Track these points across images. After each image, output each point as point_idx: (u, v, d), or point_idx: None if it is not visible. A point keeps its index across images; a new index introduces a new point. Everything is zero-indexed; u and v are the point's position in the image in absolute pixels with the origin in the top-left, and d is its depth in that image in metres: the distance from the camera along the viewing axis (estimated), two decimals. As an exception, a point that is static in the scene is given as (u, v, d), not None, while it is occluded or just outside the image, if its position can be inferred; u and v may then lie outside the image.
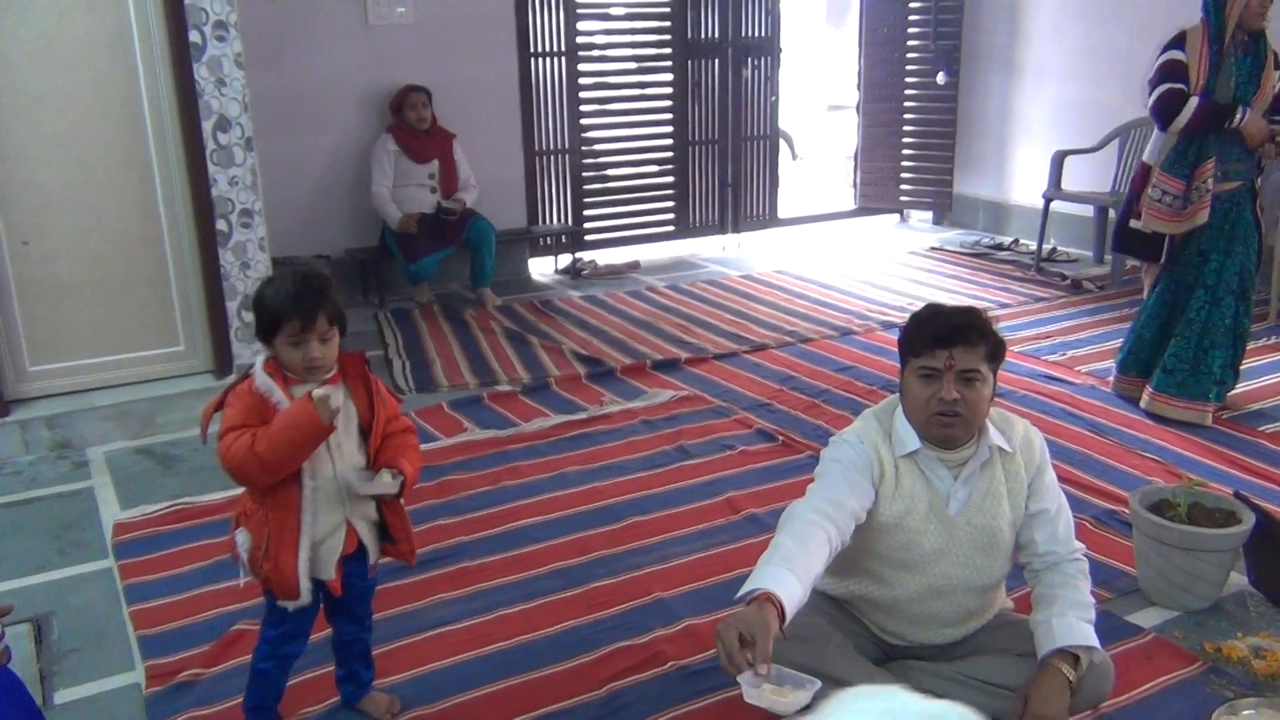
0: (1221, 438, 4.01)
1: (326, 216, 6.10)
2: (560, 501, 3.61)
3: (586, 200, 7.07)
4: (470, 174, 6.12)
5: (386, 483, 2.23)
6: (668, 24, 7.08)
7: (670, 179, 7.38)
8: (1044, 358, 4.98)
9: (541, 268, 6.95)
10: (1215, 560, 2.84)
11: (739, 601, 1.96)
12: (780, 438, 4.10)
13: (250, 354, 4.11)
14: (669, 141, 7.30)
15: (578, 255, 6.96)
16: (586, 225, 7.10)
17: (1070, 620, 2.19)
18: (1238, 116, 3.85)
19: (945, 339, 2.13)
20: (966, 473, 2.24)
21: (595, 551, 3.27)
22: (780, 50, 7.55)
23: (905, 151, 8.01)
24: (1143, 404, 4.23)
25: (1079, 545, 2.33)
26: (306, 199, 6.04)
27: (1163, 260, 4.13)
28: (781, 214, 7.97)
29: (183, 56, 4.25)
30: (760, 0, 7.35)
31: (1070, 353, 5.05)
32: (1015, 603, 2.60)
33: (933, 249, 7.34)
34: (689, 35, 7.14)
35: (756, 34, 7.40)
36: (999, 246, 7.31)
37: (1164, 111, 3.92)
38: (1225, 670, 2.61)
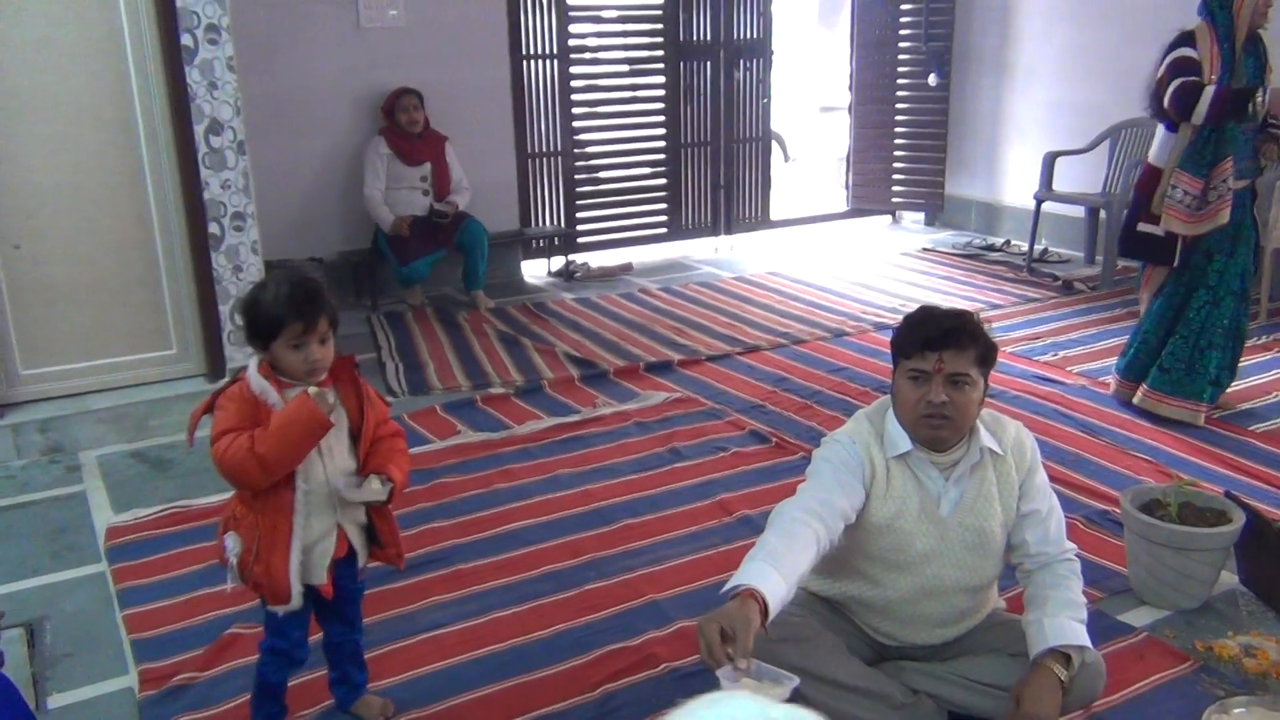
0: (1212, 437, 4.03)
1: (319, 219, 6.10)
2: (553, 504, 3.62)
3: (579, 202, 7.07)
4: (463, 176, 6.13)
5: (375, 490, 2.23)
6: (660, 26, 7.09)
7: (663, 181, 7.39)
8: (1036, 358, 5.00)
9: (534, 270, 6.95)
10: (1206, 559, 2.85)
11: (723, 597, 1.97)
12: (773, 439, 4.10)
13: (244, 357, 4.10)
14: (661, 144, 7.31)
15: (570, 257, 6.96)
16: (579, 227, 7.11)
17: (1062, 620, 2.20)
18: (1259, 98, 3.83)
19: (935, 342, 2.14)
20: (957, 474, 2.25)
21: (588, 554, 3.27)
22: (772, 52, 7.56)
23: (897, 153, 8.03)
24: (1136, 400, 4.24)
25: (1070, 545, 2.34)
26: (299, 202, 6.03)
27: (1175, 264, 4.05)
28: (774, 215, 7.98)
29: (175, 60, 4.25)
30: (752, 2, 7.36)
31: (1062, 353, 5.07)
32: (1007, 603, 2.61)
33: (925, 250, 7.36)
34: (681, 37, 7.15)
35: (748, 36, 7.41)
36: (991, 247, 7.33)
37: (1183, 103, 3.85)
38: (1216, 669, 2.63)
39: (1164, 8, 6.12)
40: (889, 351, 2.29)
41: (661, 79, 7.19)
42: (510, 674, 2.68)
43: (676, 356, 5.12)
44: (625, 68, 7.14)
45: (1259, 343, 5.06)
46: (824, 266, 6.93)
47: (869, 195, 8.22)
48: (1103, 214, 6.45)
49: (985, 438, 2.24)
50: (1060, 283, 6.31)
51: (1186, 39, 3.92)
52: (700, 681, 2.57)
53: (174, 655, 2.78)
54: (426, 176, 5.97)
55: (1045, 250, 6.98)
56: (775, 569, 1.98)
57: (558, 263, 6.95)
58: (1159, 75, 3.96)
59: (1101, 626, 2.77)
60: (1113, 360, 4.87)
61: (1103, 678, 2.31)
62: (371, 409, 2.30)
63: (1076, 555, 2.35)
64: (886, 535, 2.25)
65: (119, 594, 3.11)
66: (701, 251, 7.54)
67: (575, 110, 6.91)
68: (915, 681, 2.35)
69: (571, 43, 6.79)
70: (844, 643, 2.35)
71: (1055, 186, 6.59)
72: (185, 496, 3.71)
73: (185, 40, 4.24)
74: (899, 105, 7.92)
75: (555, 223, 6.97)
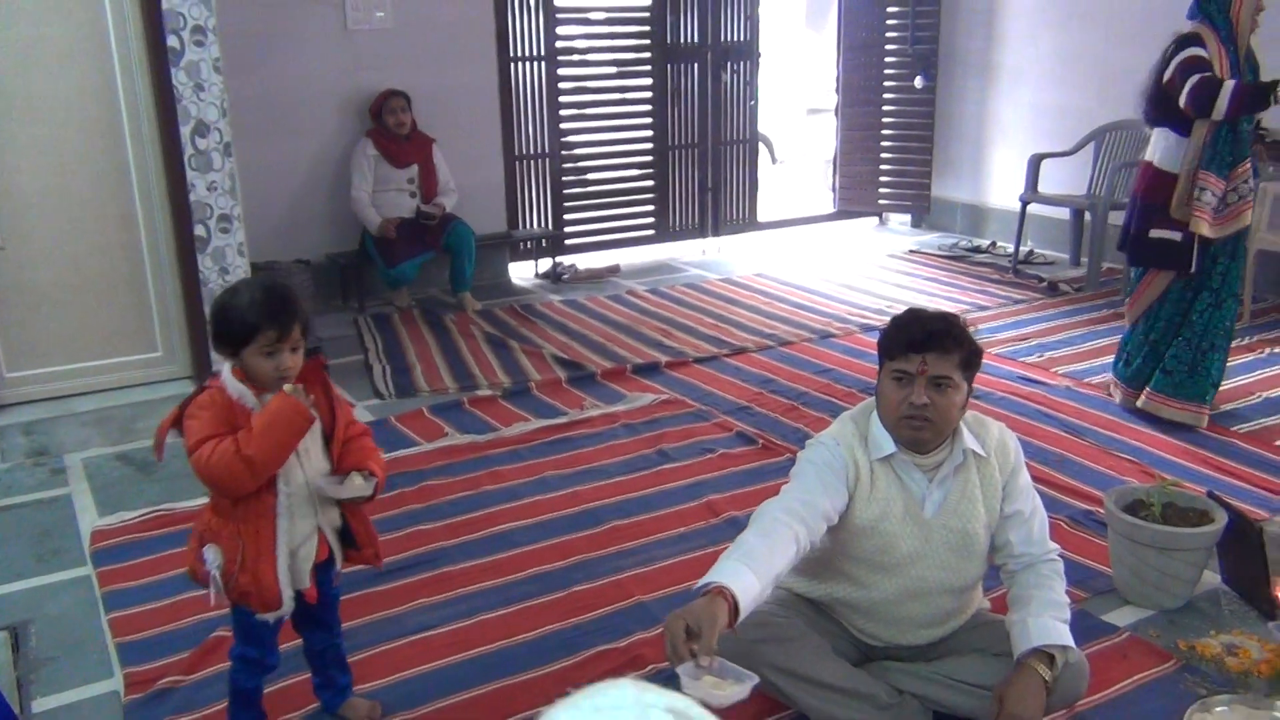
0: (1196, 438, 4.05)
1: (306, 221, 6.09)
2: (540, 506, 3.62)
3: (566, 204, 7.08)
4: (450, 178, 6.13)
5: (359, 485, 2.22)
6: (647, 28, 7.10)
7: (650, 183, 7.39)
8: (1021, 359, 5.02)
9: (522, 272, 6.95)
10: (1189, 559, 2.87)
11: (696, 594, 1.98)
12: (760, 440, 4.12)
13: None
14: (649, 145, 7.31)
15: (558, 259, 6.96)
16: (567, 229, 7.11)
17: (1045, 620, 2.21)
18: None
19: (919, 344, 2.16)
20: (941, 476, 2.27)
21: (575, 555, 3.28)
22: (759, 54, 7.58)
23: (884, 155, 8.06)
24: (1140, 404, 4.23)
25: (1054, 546, 2.36)
26: (286, 204, 6.02)
27: (1194, 269, 3.98)
28: (761, 217, 7.99)
29: (161, 61, 4.25)
30: (739, 4, 7.38)
31: (1047, 354, 5.09)
32: (991, 603, 2.63)
33: (911, 252, 7.39)
34: (668, 40, 7.16)
35: (736, 38, 7.43)
36: (977, 249, 7.36)
37: (1202, 98, 3.77)
38: (1199, 668, 2.65)
39: (1149, 11, 6.17)
40: (875, 353, 2.31)
41: (649, 81, 7.20)
42: (498, 676, 2.68)
43: (664, 358, 5.13)
44: (613, 70, 7.14)
45: (1242, 344, 5.09)
46: (811, 268, 6.95)
47: (856, 197, 8.25)
48: (1088, 216, 6.48)
49: (968, 440, 2.26)
50: (1045, 284, 6.34)
51: (1193, 39, 3.86)
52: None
53: (159, 659, 2.77)
54: (414, 178, 5.97)
55: (1030, 252, 7.02)
56: (749, 568, 1.99)
57: (545, 265, 6.95)
58: (1167, 77, 3.88)
59: (1085, 626, 2.79)
60: (1098, 362, 4.92)
61: (1086, 677, 2.33)
62: (341, 409, 2.30)
63: (1060, 555, 2.37)
64: (871, 537, 2.27)
65: (104, 597, 3.10)
66: (689, 253, 7.55)
67: (563, 112, 6.92)
68: (900, 681, 2.36)
69: (559, 45, 6.79)
70: (829, 643, 2.36)
71: (1040, 188, 6.62)
72: (171, 499, 3.70)
73: (171, 42, 4.24)
74: (885, 107, 7.95)
75: (543, 225, 6.98)
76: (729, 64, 7.44)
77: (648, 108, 7.24)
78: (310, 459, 2.23)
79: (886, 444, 2.24)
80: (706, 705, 1.86)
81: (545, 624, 2.91)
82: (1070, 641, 2.22)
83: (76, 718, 2.59)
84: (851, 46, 7.96)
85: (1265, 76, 3.95)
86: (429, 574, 3.18)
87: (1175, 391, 4.13)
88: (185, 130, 4.33)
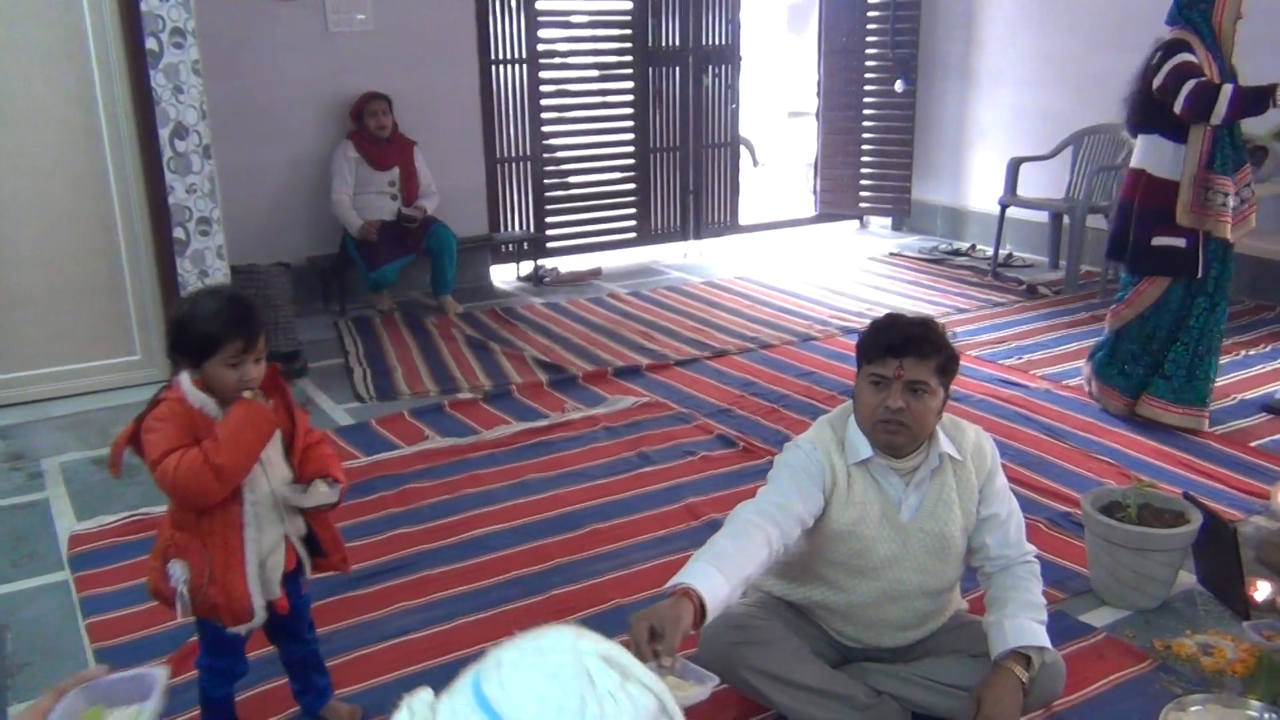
0: (1171, 439, 4.08)
1: (286, 224, 6.07)
2: (521, 509, 3.62)
3: (548, 207, 7.08)
4: (431, 181, 6.12)
5: (325, 492, 2.20)
6: (628, 32, 7.11)
7: (632, 186, 7.40)
8: (1000, 362, 5.05)
9: (503, 275, 6.95)
10: (1164, 560, 2.90)
11: (665, 594, 1.99)
12: (741, 443, 4.13)
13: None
14: (630, 149, 7.32)
15: (539, 262, 6.96)
16: (548, 232, 7.11)
17: (1022, 621, 2.23)
18: (1279, 93, 3.76)
19: (897, 349, 2.17)
20: (917, 479, 2.28)
21: (555, 559, 3.28)
22: (741, 58, 7.60)
23: (864, 158, 8.09)
24: (1139, 411, 4.22)
25: (1030, 547, 2.38)
26: (266, 206, 6.00)
27: (1200, 273, 3.98)
28: (743, 220, 8.01)
29: (139, 64, 4.23)
30: (720, 8, 7.40)
31: (1026, 357, 5.12)
32: (970, 604, 2.64)
33: (892, 255, 7.42)
34: (649, 43, 7.17)
35: (717, 42, 7.44)
36: (957, 252, 7.40)
37: (1201, 103, 3.76)
38: (1174, 667, 2.67)
39: (1127, 16, 6.23)
40: (856, 356, 2.32)
41: (630, 84, 7.21)
42: (477, 679, 2.67)
43: (645, 361, 5.14)
44: (595, 73, 7.15)
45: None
46: (792, 271, 6.97)
47: (837, 200, 8.28)
48: (1066, 219, 6.53)
49: (944, 444, 2.27)
50: (1024, 287, 6.38)
51: (1181, 45, 3.85)
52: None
53: (138, 663, 2.75)
54: (395, 181, 5.96)
55: (1010, 255, 7.06)
56: (719, 570, 2.00)
57: (527, 267, 6.95)
58: (1158, 84, 3.86)
59: (1063, 627, 2.81)
60: (1076, 364, 4.94)
61: (1062, 677, 2.35)
62: (300, 416, 2.27)
63: (1036, 557, 2.38)
64: (848, 541, 2.28)
65: (81, 602, 3.08)
66: (670, 256, 7.56)
67: (544, 115, 6.92)
68: (879, 683, 2.38)
69: (540, 48, 6.80)
70: (808, 645, 2.37)
71: (1019, 192, 6.67)
72: (149, 504, 3.67)
73: (150, 44, 4.22)
74: (866, 111, 7.98)
75: (524, 228, 6.97)
76: (710, 67, 7.45)
77: (629, 111, 7.25)
78: (273, 467, 2.20)
79: (863, 448, 2.26)
80: None
81: (524, 627, 2.88)
82: (1047, 642, 2.24)
83: (53, 724, 2.57)
84: (832, 50, 8.00)
85: (1244, 83, 3.97)
86: (408, 578, 3.17)
87: (1176, 397, 4.13)
88: (164, 133, 4.31)
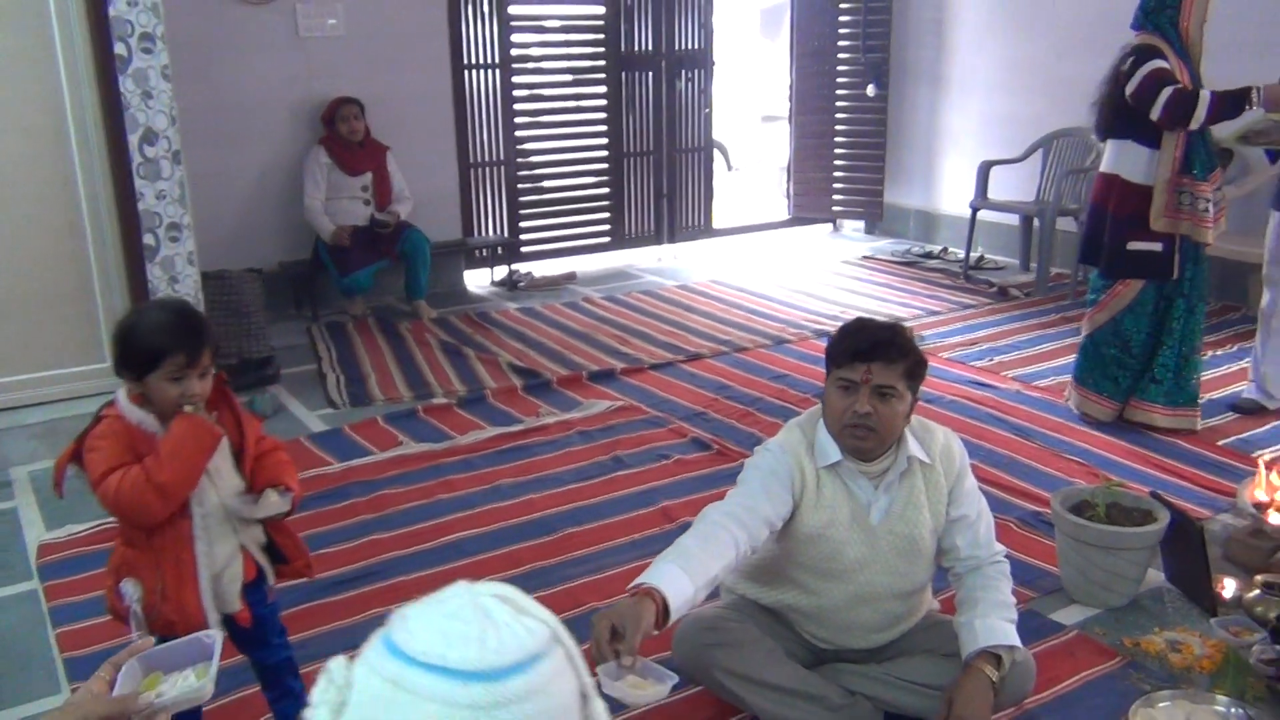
0: (1140, 439, 4.13)
1: (258, 229, 6.04)
2: (495, 514, 3.61)
3: (522, 212, 7.07)
4: (404, 186, 6.10)
5: (276, 502, 2.16)
6: (601, 36, 7.12)
7: (606, 190, 7.41)
8: (972, 363, 5.09)
9: (477, 280, 6.94)
10: (1133, 558, 2.93)
11: (629, 593, 2.00)
12: (715, 446, 4.14)
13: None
14: (604, 153, 7.33)
15: (514, 267, 6.96)
16: (522, 237, 7.10)
17: (992, 621, 2.25)
18: (1254, 97, 3.79)
19: (864, 353, 2.18)
20: (886, 482, 2.30)
21: (529, 564, 3.28)
22: (714, 63, 7.63)
23: (837, 162, 8.13)
24: (1127, 415, 4.24)
25: (1000, 547, 2.40)
26: (237, 212, 5.97)
27: (1175, 275, 4.01)
28: (716, 224, 8.04)
29: (108, 69, 4.19)
30: (693, 13, 7.42)
31: (997, 358, 5.17)
32: (942, 604, 2.66)
33: (865, 258, 7.46)
34: (623, 48, 7.19)
35: (690, 46, 7.47)
36: (928, 255, 7.45)
37: (1179, 110, 3.77)
38: (1143, 664, 2.70)
39: (1094, 22, 6.30)
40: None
41: (603, 89, 7.22)
42: (452, 684, 2.67)
43: (619, 365, 5.14)
44: (568, 78, 7.16)
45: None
46: (766, 274, 7.00)
47: (809, 204, 8.32)
48: (1036, 222, 6.58)
49: (913, 447, 2.29)
50: (995, 289, 6.44)
51: (1152, 51, 3.86)
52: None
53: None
54: (368, 186, 5.94)
55: (981, 257, 7.11)
56: (683, 570, 2.01)
57: (501, 272, 6.94)
58: (1132, 90, 3.87)
59: (1034, 625, 2.84)
60: (1047, 365, 5.01)
61: (1033, 676, 2.38)
62: (249, 424, 2.23)
63: (1007, 556, 2.40)
64: (818, 544, 2.29)
65: (51, 612, 3.06)
66: (645, 260, 7.57)
67: (518, 120, 6.92)
68: (852, 683, 2.39)
69: (513, 52, 6.80)
70: (782, 647, 2.39)
71: (990, 195, 6.72)
72: (120, 512, 3.64)
73: (119, 49, 4.19)
74: (838, 115, 8.02)
75: (498, 232, 6.97)
76: (683, 72, 7.48)
77: (603, 115, 7.26)
78: (222, 478, 2.16)
79: (832, 451, 2.27)
80: (626, 704, 1.90)
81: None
82: (1017, 641, 2.26)
83: (22, 735, 2.55)
84: (804, 55, 8.03)
85: (1207, 86, 4.01)
86: (382, 584, 3.16)
87: (1167, 400, 4.15)
88: (133, 138, 4.27)
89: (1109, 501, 3.00)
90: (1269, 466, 3.43)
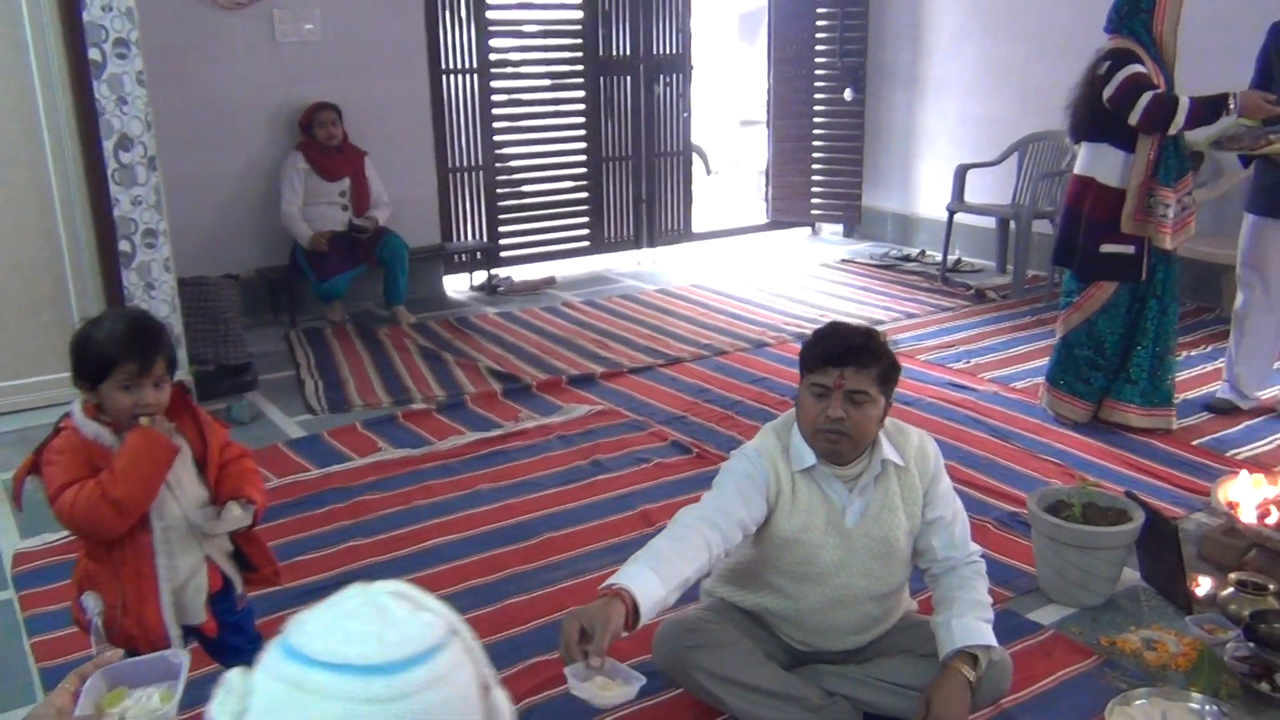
0: (1115, 439, 4.16)
1: (235, 235, 6.01)
2: (474, 519, 3.61)
3: (501, 216, 7.07)
4: (382, 191, 6.09)
5: (237, 516, 2.15)
6: (579, 41, 7.13)
7: (585, 195, 7.42)
8: (949, 365, 5.12)
9: (456, 285, 6.93)
10: (1108, 557, 2.95)
11: (599, 594, 2.00)
12: (695, 450, 4.14)
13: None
14: (583, 158, 7.34)
15: (493, 272, 6.95)
16: (501, 242, 7.10)
17: (968, 621, 2.26)
18: (1231, 104, 3.82)
19: (837, 358, 2.19)
20: (861, 485, 2.31)
21: (509, 568, 3.27)
22: (692, 67, 7.65)
23: (815, 166, 8.16)
24: (1103, 416, 4.27)
25: (975, 548, 2.41)
26: (214, 218, 5.94)
27: (1145, 276, 4.04)
28: (695, 228, 8.06)
29: (82, 74, 4.17)
30: (671, 18, 7.44)
31: (974, 360, 5.20)
32: (920, 604, 2.67)
33: (843, 261, 7.49)
34: (600, 52, 7.20)
35: (668, 51, 7.49)
36: (906, 258, 7.49)
37: (1158, 116, 3.80)
38: (1119, 663, 2.72)
39: (1068, 27, 6.35)
40: (805, 363, 2.34)
41: (582, 93, 7.23)
42: (431, 690, 2.66)
43: (599, 369, 5.14)
44: (546, 82, 7.16)
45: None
46: (745, 278, 7.02)
47: (788, 208, 8.35)
48: (1012, 224, 6.63)
49: (887, 450, 2.30)
50: (973, 292, 6.47)
51: (1130, 55, 3.88)
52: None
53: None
54: (345, 191, 5.92)
55: (958, 260, 7.15)
56: (655, 572, 2.01)
57: (480, 277, 6.93)
58: (1109, 94, 3.88)
59: (1011, 625, 2.86)
60: (1023, 367, 5.04)
61: (1009, 675, 2.39)
62: (212, 433, 2.21)
63: (982, 556, 2.42)
64: (795, 549, 2.30)
65: (26, 621, 3.03)
66: (624, 264, 7.58)
67: (496, 124, 6.92)
68: (831, 684, 2.40)
69: (492, 57, 6.79)
70: (760, 648, 2.39)
71: (967, 198, 6.76)
72: (96, 520, 3.62)
73: (93, 55, 4.16)
74: (816, 119, 8.05)
75: (477, 237, 6.96)
76: (662, 76, 7.49)
77: (581, 120, 7.27)
78: (183, 489, 2.14)
79: (807, 456, 2.28)
80: (592, 705, 1.91)
81: (479, 638, 2.89)
82: (993, 641, 2.27)
83: (-3, 746, 2.53)
84: (782, 59, 8.07)
85: (1178, 89, 4.04)
86: (362, 590, 3.14)
87: (1143, 400, 4.18)
88: (108, 144, 4.25)
89: (1085, 501, 3.03)
90: (1251, 470, 3.45)
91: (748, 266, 7.40)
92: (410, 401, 4.76)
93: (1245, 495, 3.24)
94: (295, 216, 5.79)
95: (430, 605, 0.91)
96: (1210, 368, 4.98)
